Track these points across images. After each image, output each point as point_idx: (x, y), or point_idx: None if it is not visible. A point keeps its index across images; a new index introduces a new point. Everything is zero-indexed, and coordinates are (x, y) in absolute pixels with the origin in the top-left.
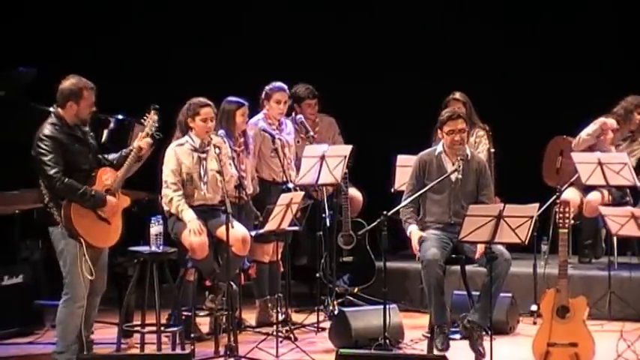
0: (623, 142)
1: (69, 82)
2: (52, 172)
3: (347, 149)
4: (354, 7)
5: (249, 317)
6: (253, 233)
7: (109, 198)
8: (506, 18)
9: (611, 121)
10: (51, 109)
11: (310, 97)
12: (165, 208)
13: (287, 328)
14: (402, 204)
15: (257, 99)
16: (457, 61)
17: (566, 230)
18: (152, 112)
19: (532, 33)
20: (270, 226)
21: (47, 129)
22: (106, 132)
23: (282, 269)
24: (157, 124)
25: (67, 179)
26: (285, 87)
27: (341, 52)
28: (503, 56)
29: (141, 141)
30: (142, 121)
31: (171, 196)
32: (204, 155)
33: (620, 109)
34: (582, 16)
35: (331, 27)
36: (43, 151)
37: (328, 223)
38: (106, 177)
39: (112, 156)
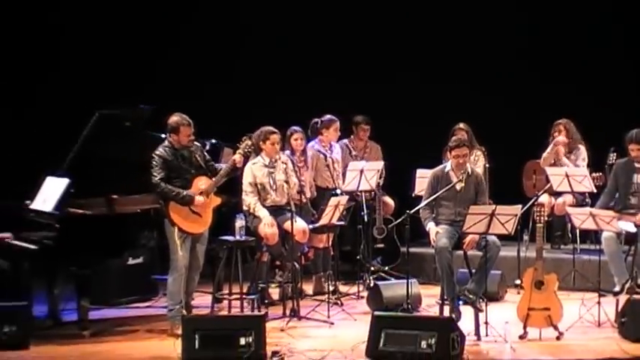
0: (569, 153)
1: (171, 119)
2: (154, 180)
3: (379, 165)
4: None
5: (308, 288)
6: (311, 226)
7: (197, 197)
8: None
9: (561, 138)
10: (164, 135)
11: (364, 123)
12: (245, 208)
13: (336, 296)
14: (421, 205)
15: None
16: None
17: (541, 225)
18: (247, 139)
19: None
20: (323, 221)
21: (158, 150)
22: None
23: (332, 253)
24: (250, 147)
25: (164, 185)
26: (337, 119)
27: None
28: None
29: (236, 155)
30: (238, 145)
31: (249, 201)
32: (272, 170)
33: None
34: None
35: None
36: (151, 165)
37: (366, 219)
38: (201, 183)
39: (219, 166)
